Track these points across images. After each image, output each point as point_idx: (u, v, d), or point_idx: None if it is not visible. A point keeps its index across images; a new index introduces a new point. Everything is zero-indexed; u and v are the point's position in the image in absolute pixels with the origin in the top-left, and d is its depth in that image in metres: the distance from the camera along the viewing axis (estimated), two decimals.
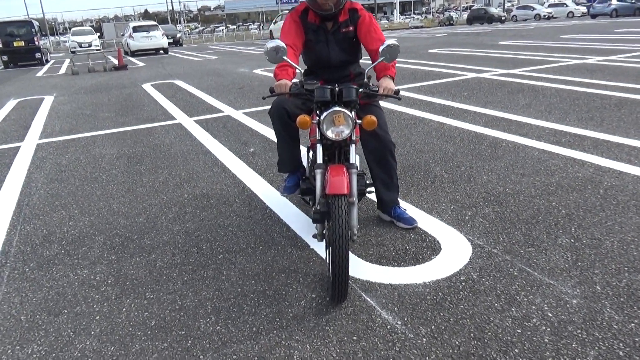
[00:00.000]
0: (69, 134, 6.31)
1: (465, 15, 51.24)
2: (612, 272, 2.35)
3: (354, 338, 2.00)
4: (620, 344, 1.86)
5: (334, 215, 1.98)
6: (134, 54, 23.77)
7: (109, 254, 2.88)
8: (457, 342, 1.93)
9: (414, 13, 67.01)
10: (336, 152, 2.39)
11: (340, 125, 2.21)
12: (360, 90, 2.30)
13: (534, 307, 2.12)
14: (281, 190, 2.99)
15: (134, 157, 4.97)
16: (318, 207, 2.22)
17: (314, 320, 2.13)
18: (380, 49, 2.37)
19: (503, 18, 37.89)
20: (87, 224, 3.33)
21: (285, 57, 2.35)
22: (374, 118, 2.23)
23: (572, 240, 2.68)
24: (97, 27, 54.85)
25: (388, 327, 2.05)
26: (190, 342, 2.04)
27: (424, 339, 1.96)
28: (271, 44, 2.33)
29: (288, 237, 2.95)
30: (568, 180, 3.55)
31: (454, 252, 2.65)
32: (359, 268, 2.52)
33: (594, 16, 34.16)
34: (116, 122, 6.84)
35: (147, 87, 10.67)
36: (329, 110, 2.19)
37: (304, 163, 3.11)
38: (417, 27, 41.30)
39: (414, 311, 2.15)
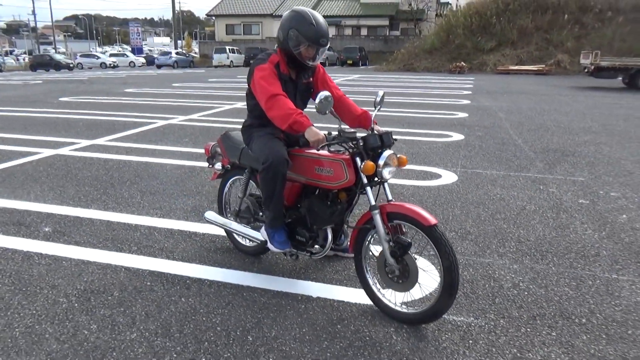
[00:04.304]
0: None
1: (12, 60, 47.99)
2: (499, 242, 3.51)
3: (483, 343, 2.36)
4: (566, 279, 2.99)
5: (443, 241, 2.28)
6: None
7: None
8: (516, 313, 2.60)
9: None
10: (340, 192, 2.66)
11: (394, 166, 2.48)
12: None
13: (508, 277, 3.01)
14: (275, 246, 2.78)
15: None
16: (394, 244, 2.40)
17: (432, 346, 2.33)
18: (378, 98, 2.72)
19: (71, 65, 37.81)
20: None
21: (332, 108, 2.39)
22: (405, 157, 2.60)
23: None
24: None
25: (476, 326, 2.49)
26: None
27: (501, 320, 2.54)
28: (323, 94, 2.36)
29: (280, 296, 2.79)
30: None
31: None
32: (382, 295, 2.75)
33: (159, 66, 38.80)
34: None
35: None
36: (388, 153, 2.45)
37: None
38: None
39: (462, 307, 2.66)
